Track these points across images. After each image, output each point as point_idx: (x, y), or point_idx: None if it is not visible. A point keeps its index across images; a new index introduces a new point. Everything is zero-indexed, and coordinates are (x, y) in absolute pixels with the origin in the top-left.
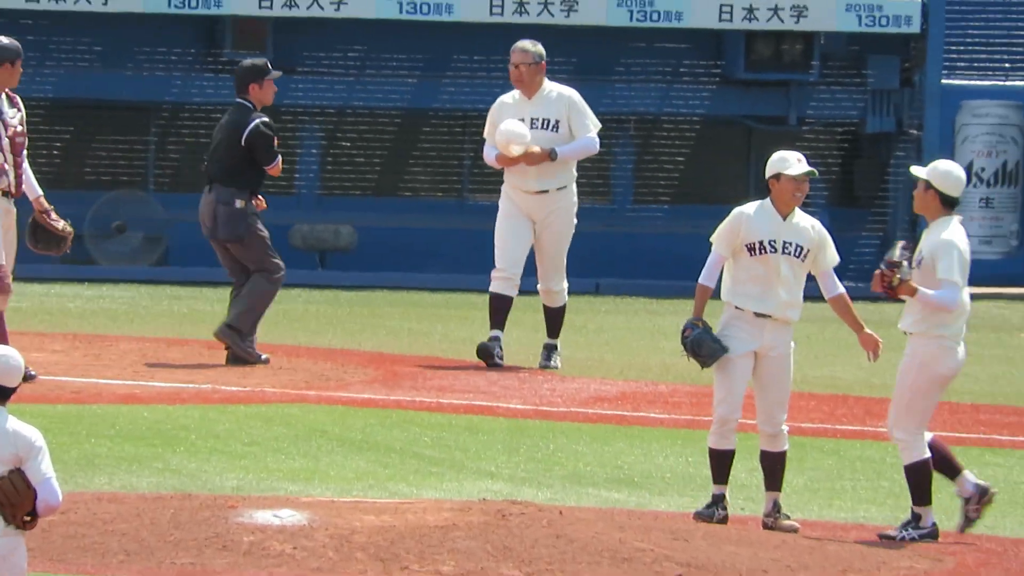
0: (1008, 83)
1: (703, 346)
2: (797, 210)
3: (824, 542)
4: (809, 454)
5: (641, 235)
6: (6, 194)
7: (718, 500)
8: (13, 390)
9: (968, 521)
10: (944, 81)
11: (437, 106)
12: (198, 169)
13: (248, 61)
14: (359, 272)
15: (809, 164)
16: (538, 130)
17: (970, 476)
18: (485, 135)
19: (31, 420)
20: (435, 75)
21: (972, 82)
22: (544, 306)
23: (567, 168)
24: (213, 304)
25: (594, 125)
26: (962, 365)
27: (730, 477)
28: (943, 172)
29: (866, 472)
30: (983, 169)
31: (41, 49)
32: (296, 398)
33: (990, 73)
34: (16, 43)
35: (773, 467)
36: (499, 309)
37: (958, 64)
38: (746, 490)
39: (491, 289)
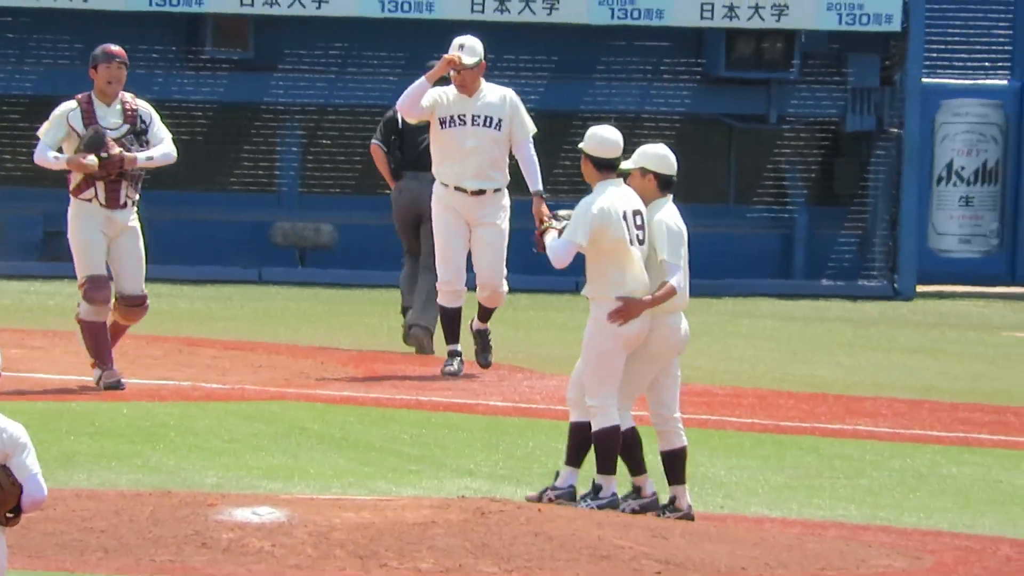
0: (988, 82)
1: None
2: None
3: (803, 540)
4: (788, 452)
5: None
6: (102, 205)
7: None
8: None
9: (608, 506)
10: (924, 80)
11: None
12: (176, 167)
13: None
14: (339, 270)
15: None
16: (480, 127)
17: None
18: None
19: (10, 417)
20: (416, 73)
21: (952, 81)
22: (481, 305)
23: (505, 169)
24: (193, 302)
25: (533, 129)
26: (645, 330)
27: (645, 466)
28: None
29: (845, 470)
30: (963, 168)
31: (21, 47)
32: (276, 395)
33: (970, 72)
34: (111, 47)
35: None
36: (453, 321)
37: (938, 63)
38: (725, 488)
39: (440, 302)
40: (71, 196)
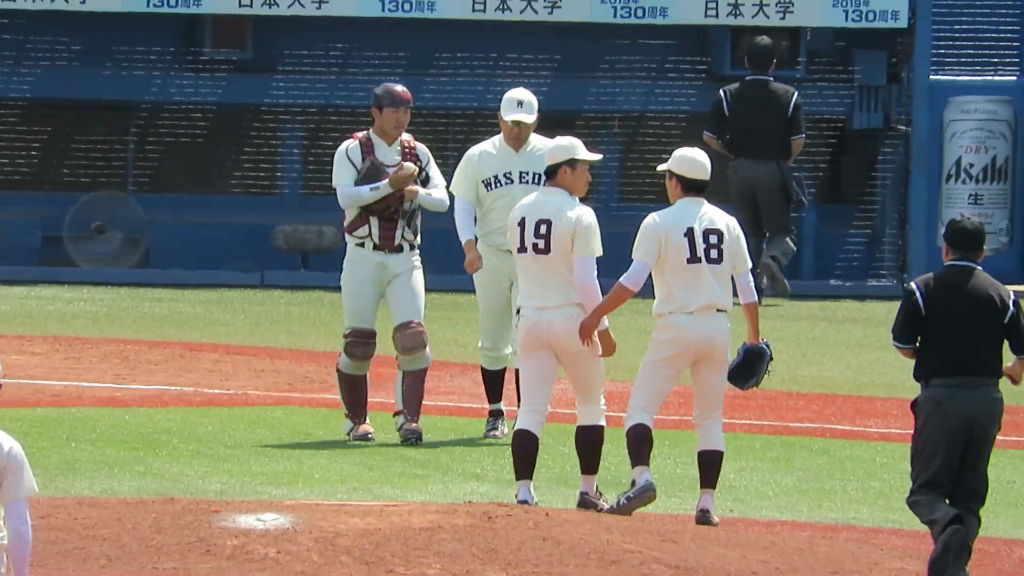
0: (996, 78)
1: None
2: None
3: (814, 543)
4: (798, 454)
5: (627, 234)
6: (375, 247)
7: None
8: None
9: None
10: (932, 76)
11: (420, 104)
12: (176, 170)
13: (768, 40)
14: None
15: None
16: (527, 185)
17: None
18: (453, 188)
19: (9, 425)
20: (417, 72)
21: (960, 77)
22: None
23: None
24: (195, 306)
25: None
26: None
27: (706, 476)
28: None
29: (856, 472)
30: (971, 165)
31: (18, 48)
32: (279, 400)
33: (978, 68)
34: (397, 90)
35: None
36: (495, 380)
37: (946, 59)
38: (735, 491)
39: (484, 365)
40: (346, 235)
